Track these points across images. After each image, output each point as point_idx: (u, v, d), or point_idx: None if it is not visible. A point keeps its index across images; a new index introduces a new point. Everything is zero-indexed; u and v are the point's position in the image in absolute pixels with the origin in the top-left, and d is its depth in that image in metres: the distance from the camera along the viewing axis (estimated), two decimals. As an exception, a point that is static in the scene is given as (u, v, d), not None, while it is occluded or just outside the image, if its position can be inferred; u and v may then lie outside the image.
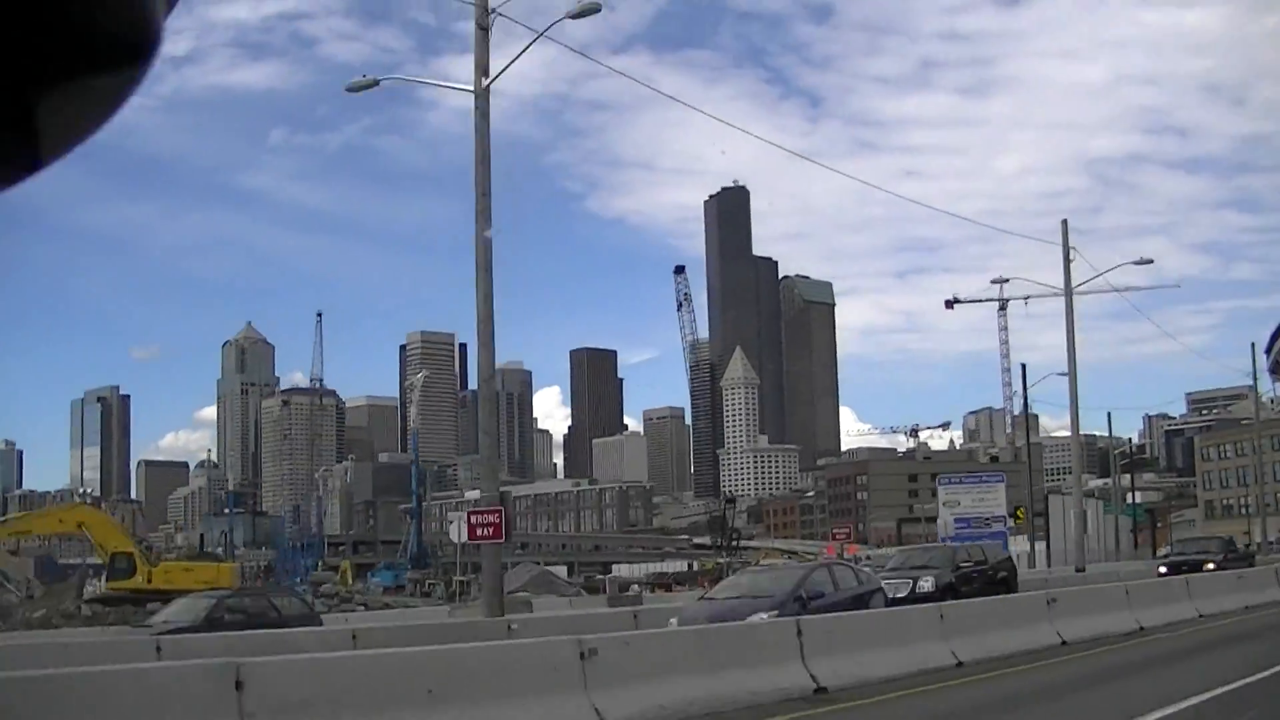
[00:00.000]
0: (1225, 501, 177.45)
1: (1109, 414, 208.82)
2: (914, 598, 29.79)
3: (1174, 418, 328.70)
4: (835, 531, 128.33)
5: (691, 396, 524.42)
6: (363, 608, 71.15)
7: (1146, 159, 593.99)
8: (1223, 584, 34.71)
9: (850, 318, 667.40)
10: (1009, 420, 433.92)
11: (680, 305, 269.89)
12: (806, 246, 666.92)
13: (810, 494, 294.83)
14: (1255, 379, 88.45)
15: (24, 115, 1.24)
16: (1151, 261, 61.84)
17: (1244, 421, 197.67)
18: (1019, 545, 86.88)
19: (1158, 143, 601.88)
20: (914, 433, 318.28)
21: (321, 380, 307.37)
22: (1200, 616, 29.35)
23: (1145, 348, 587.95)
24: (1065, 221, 58.08)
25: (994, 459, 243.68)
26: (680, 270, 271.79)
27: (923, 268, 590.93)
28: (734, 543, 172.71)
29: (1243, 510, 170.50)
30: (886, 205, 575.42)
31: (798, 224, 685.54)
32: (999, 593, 31.59)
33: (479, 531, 28.79)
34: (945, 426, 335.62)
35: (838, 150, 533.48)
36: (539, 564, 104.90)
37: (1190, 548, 55.94)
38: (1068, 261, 55.76)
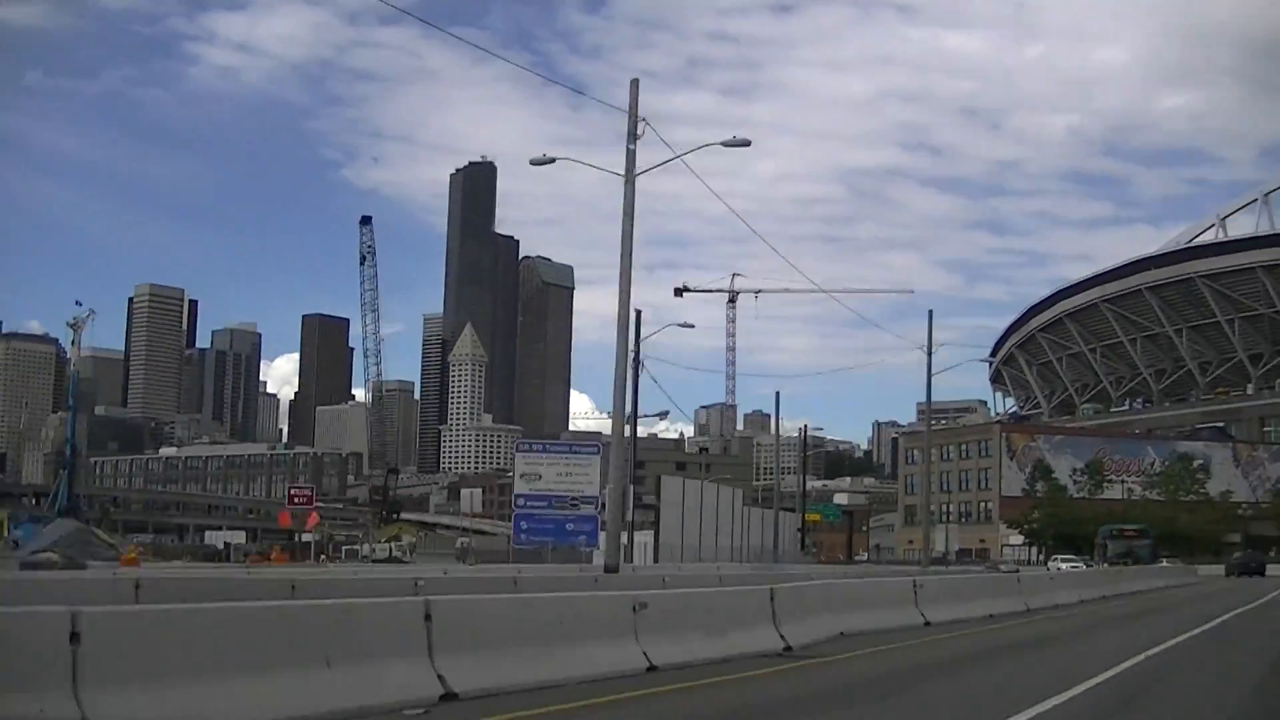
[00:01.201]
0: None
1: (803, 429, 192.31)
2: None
3: (902, 425, 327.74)
4: (294, 492, 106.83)
5: (422, 371, 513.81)
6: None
7: (902, 174, 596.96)
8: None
9: (598, 306, 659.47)
10: (741, 416, 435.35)
11: (364, 259, 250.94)
12: (558, 232, 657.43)
13: (510, 474, 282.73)
14: (929, 390, 78.80)
15: None
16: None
17: (963, 425, 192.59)
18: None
19: (914, 159, 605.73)
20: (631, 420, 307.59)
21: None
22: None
23: (890, 357, 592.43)
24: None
25: (703, 449, 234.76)
26: (366, 221, 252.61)
27: (673, 263, 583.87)
28: (394, 515, 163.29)
29: (944, 516, 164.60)
30: (641, 198, 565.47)
31: (552, 210, 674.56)
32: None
33: None
34: (663, 416, 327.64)
35: (599, 139, 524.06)
36: (89, 522, 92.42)
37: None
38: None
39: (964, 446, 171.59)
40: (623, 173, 37.91)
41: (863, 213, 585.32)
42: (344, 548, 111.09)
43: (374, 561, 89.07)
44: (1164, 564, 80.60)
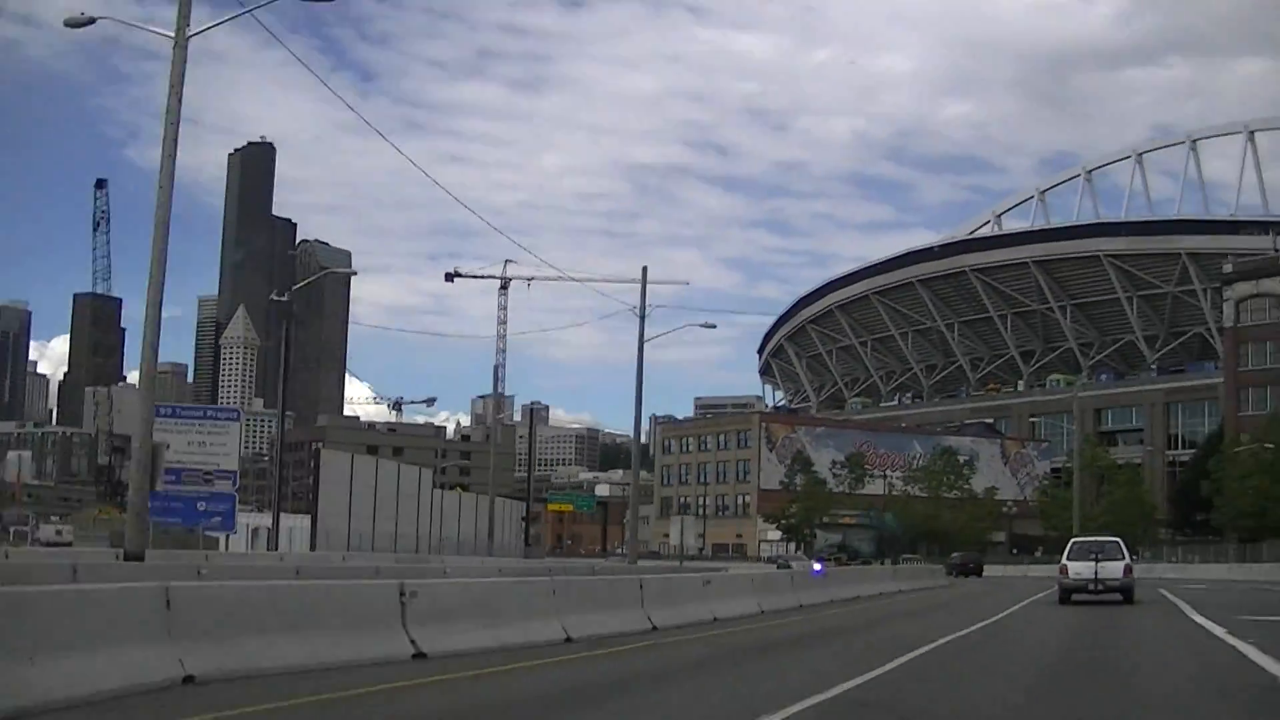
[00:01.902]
0: (682, 499, 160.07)
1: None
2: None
3: (679, 420, 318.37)
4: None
5: (195, 354, 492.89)
6: None
7: (687, 172, 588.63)
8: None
9: (381, 294, 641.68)
10: (517, 405, 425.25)
11: (97, 225, 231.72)
12: (341, 220, 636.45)
13: (266, 458, 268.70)
14: (641, 356, 65.73)
15: None
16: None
17: (723, 415, 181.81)
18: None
19: (699, 158, 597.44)
20: (397, 406, 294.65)
21: None
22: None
23: (672, 353, 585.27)
24: None
25: (465, 438, 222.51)
26: (101, 185, 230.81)
27: (457, 253, 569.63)
28: (120, 497, 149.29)
29: (701, 509, 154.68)
30: (426, 187, 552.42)
31: (336, 196, 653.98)
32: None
33: None
34: (430, 402, 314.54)
35: (384, 127, 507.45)
36: None
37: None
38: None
39: (723, 437, 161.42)
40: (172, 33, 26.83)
41: (646, 209, 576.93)
42: (12, 529, 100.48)
43: (45, 544, 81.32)
44: (899, 564, 71.20)
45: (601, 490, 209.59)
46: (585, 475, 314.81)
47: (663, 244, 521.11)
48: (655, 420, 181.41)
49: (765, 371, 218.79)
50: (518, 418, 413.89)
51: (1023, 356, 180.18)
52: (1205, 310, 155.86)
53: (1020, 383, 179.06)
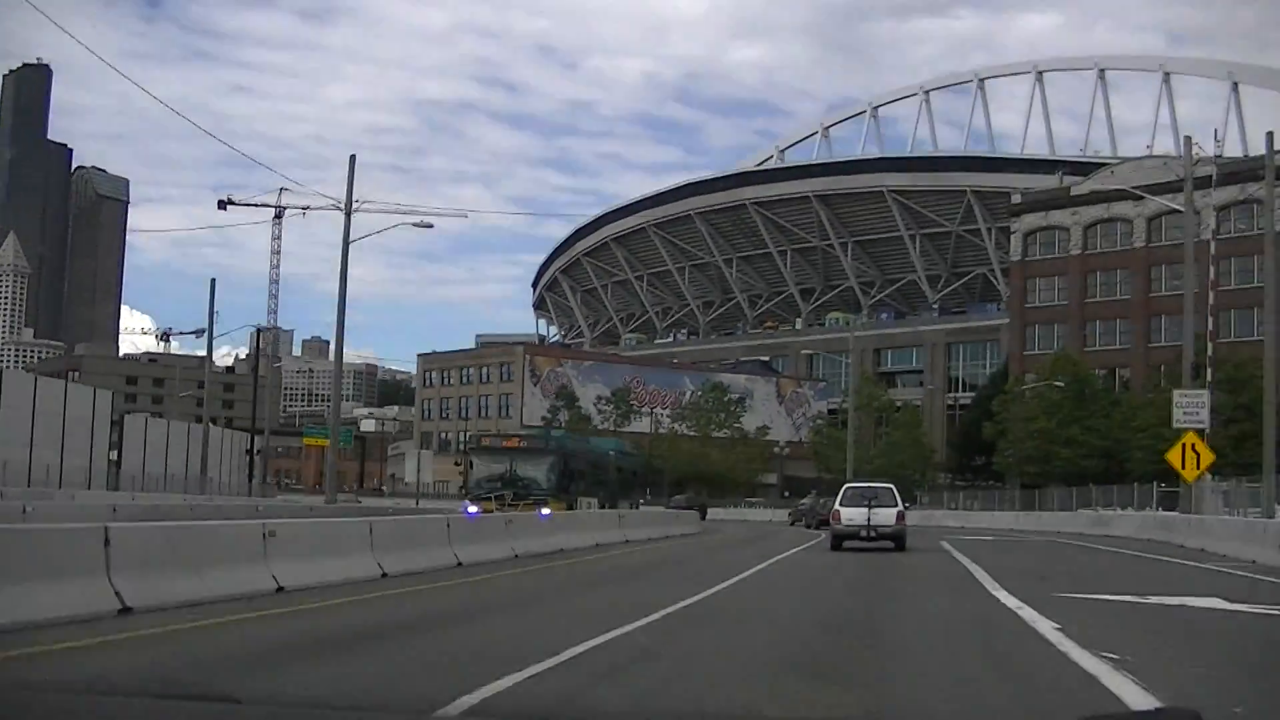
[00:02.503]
0: (444, 434, 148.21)
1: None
2: None
3: (443, 351, 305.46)
4: None
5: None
6: None
7: (475, 109, 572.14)
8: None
9: (165, 223, 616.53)
10: (296, 339, 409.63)
11: None
12: (125, 148, 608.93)
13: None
14: (345, 260, 56.78)
15: None
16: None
17: (485, 346, 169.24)
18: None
19: (488, 94, 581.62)
20: (165, 337, 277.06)
21: None
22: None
23: (457, 290, 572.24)
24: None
25: (229, 369, 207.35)
26: None
27: (241, 185, 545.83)
28: None
29: (460, 444, 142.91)
30: (215, 118, 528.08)
31: (120, 124, 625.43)
32: None
33: None
34: (199, 334, 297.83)
35: (171, 55, 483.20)
36: None
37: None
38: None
39: (486, 370, 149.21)
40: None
41: (434, 145, 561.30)
42: None
43: None
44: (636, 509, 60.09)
45: (368, 426, 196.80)
46: (360, 411, 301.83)
47: (450, 181, 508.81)
48: (420, 356, 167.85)
49: (540, 306, 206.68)
50: (298, 352, 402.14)
51: (802, 294, 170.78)
52: (990, 250, 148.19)
53: (799, 321, 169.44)
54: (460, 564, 24.05)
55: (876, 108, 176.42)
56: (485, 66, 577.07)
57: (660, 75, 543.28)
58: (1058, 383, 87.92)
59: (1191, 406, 44.75)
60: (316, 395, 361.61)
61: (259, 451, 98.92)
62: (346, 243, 55.43)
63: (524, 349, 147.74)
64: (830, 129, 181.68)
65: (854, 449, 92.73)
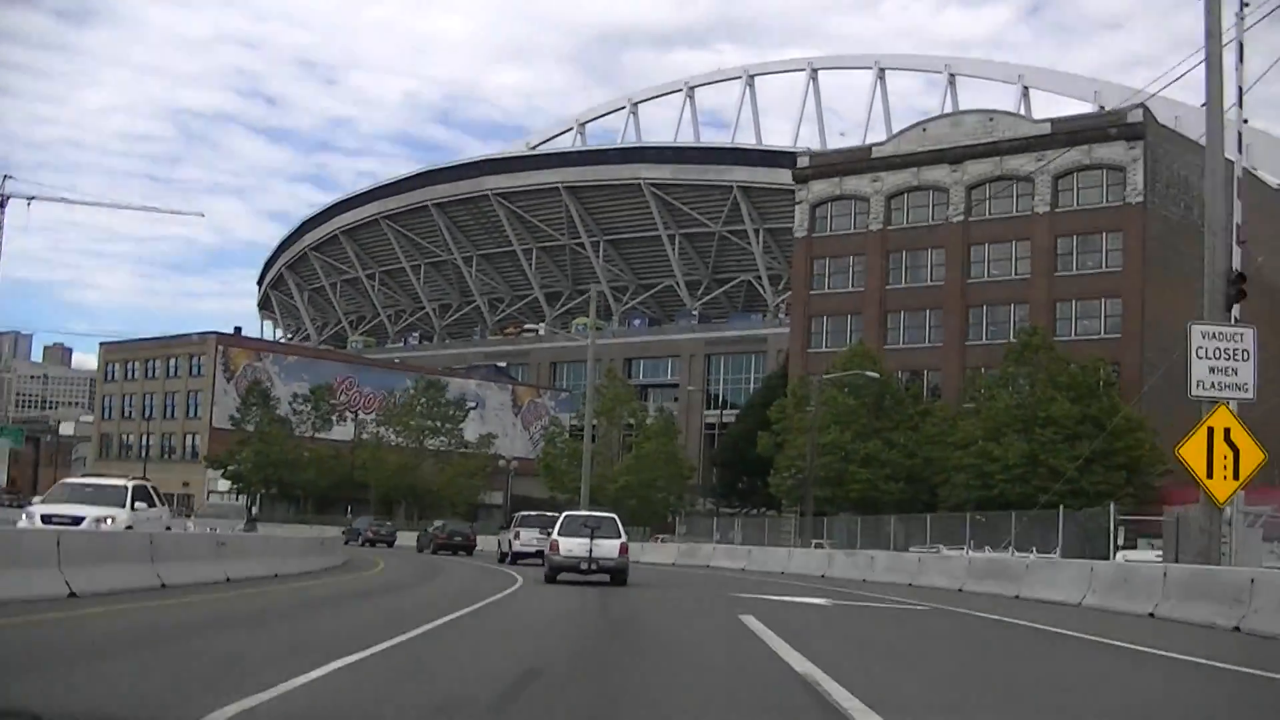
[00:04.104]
0: (125, 437, 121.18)
1: None
2: None
3: (127, 340, 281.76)
4: None
5: None
6: None
7: (233, 120, 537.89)
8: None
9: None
10: (36, 343, 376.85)
11: None
12: None
13: None
14: None
15: None
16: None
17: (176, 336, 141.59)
18: None
19: (247, 106, 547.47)
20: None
21: None
22: None
23: (208, 304, 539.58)
24: None
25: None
26: None
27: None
28: None
29: (143, 449, 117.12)
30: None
31: None
32: None
33: None
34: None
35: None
36: None
37: None
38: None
39: (174, 362, 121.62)
40: None
41: (190, 155, 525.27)
42: None
43: None
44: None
45: (67, 430, 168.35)
46: (87, 419, 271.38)
47: (206, 192, 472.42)
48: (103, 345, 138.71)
49: (264, 305, 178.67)
50: (38, 357, 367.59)
51: (548, 298, 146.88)
52: (757, 255, 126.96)
53: (543, 326, 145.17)
54: None
55: (637, 104, 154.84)
56: (245, 78, 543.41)
57: (422, 95, 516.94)
58: (859, 377, 65.49)
59: (1224, 353, 22.11)
60: (52, 403, 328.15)
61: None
62: None
63: (216, 339, 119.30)
64: (586, 125, 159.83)
65: (593, 464, 69.70)
